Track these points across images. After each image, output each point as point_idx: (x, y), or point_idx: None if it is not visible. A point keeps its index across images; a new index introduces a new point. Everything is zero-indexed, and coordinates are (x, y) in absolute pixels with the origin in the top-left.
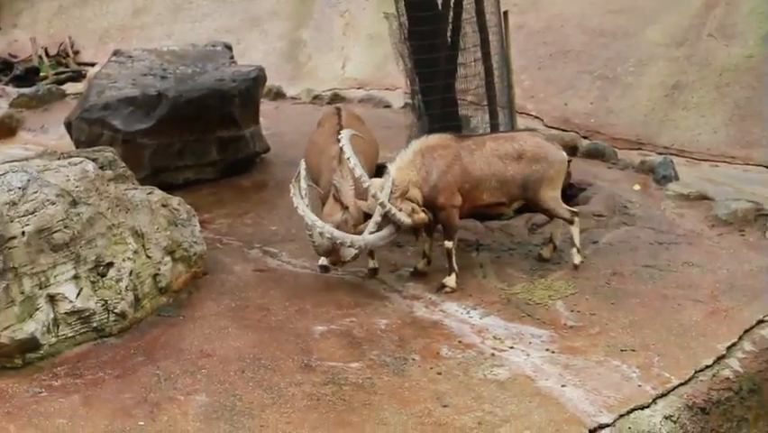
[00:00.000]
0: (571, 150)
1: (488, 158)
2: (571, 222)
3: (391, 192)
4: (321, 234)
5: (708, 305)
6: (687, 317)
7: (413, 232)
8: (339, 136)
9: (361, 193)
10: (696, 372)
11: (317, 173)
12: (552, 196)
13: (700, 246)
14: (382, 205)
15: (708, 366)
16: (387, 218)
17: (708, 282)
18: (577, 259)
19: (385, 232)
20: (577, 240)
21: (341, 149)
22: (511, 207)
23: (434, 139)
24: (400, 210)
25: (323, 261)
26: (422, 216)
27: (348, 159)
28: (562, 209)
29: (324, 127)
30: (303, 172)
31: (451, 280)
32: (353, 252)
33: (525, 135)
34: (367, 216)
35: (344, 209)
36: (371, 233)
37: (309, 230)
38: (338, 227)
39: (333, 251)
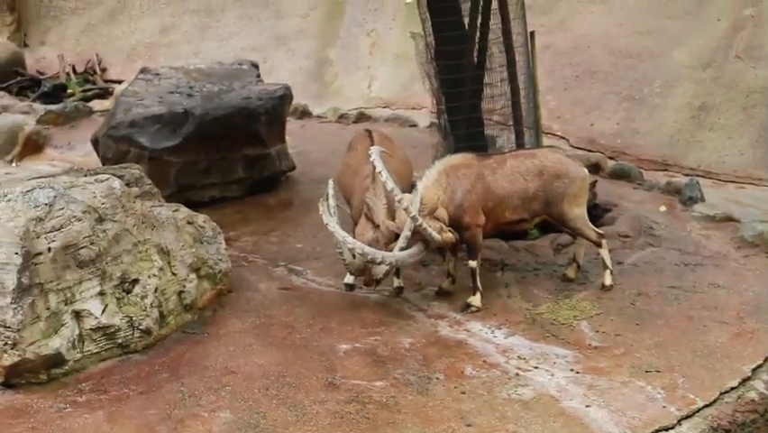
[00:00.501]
0: (594, 167)
1: (509, 176)
2: (598, 244)
3: (420, 209)
4: (351, 251)
5: (734, 326)
6: (712, 339)
7: (439, 252)
8: (369, 152)
9: (393, 212)
10: (721, 393)
11: (350, 194)
12: (577, 213)
13: (726, 268)
14: (414, 218)
15: (733, 388)
16: (416, 235)
17: (734, 304)
18: (608, 280)
19: (414, 249)
20: (608, 261)
21: (373, 167)
22: (532, 222)
23: (457, 158)
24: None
25: (348, 279)
26: (449, 235)
27: (379, 173)
28: (589, 230)
29: (356, 150)
30: (331, 191)
31: (476, 300)
32: (385, 269)
33: (546, 152)
34: (397, 236)
35: (375, 228)
36: (401, 249)
37: (339, 248)
38: (369, 246)
39: (364, 270)
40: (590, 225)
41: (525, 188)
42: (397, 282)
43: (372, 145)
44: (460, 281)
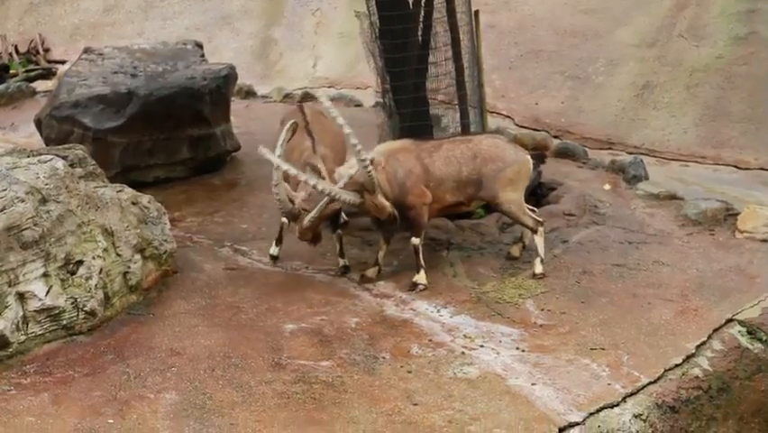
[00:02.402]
0: (538, 158)
1: (445, 158)
2: (534, 231)
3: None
4: (295, 178)
5: (678, 304)
6: (657, 316)
7: (378, 225)
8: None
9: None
10: (665, 370)
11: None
12: (511, 198)
13: (670, 246)
14: (322, 191)
15: (677, 365)
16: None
17: (678, 281)
18: (539, 268)
19: (352, 195)
20: (541, 250)
21: (328, 111)
22: (470, 206)
23: (396, 144)
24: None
25: (273, 250)
26: (387, 204)
27: (335, 118)
28: (525, 216)
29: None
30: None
31: (421, 277)
32: (308, 221)
33: (482, 137)
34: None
35: (320, 194)
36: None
37: (277, 192)
38: (310, 194)
39: (297, 215)
40: (527, 210)
41: (459, 170)
42: (342, 262)
43: (305, 119)
44: (402, 261)
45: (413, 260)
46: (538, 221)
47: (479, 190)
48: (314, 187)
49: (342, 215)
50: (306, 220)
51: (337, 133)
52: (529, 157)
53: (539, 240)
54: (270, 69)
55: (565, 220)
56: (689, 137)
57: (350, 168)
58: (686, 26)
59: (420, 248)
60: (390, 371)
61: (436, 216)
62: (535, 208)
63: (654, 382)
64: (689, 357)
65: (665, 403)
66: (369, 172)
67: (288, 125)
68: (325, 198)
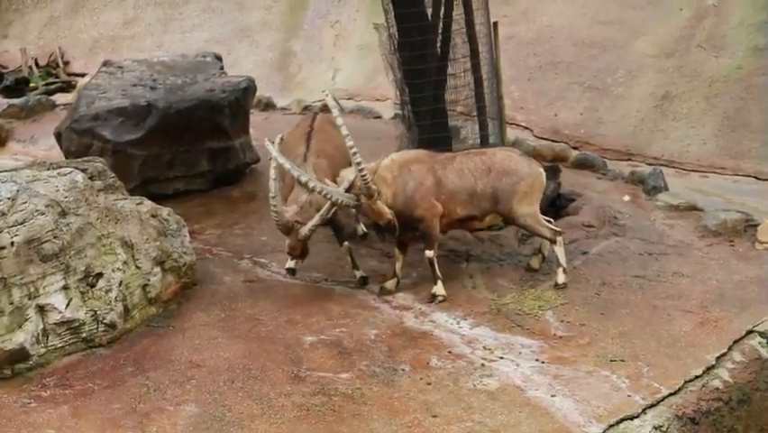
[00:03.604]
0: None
1: (458, 171)
2: (552, 241)
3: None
4: (302, 182)
5: (698, 315)
6: (677, 328)
7: (377, 231)
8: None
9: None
10: (685, 382)
11: (284, 172)
12: (527, 212)
13: (690, 257)
14: (307, 185)
15: (697, 376)
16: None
17: (698, 293)
18: (561, 278)
19: (347, 198)
20: (562, 259)
21: (331, 108)
22: (483, 221)
23: (410, 154)
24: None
25: (289, 263)
26: (387, 211)
27: (336, 117)
28: (542, 227)
29: (296, 129)
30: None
31: (439, 289)
32: (308, 229)
33: (496, 150)
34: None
35: (310, 192)
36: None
37: (274, 204)
38: (302, 207)
39: (291, 229)
40: (543, 222)
41: (473, 184)
42: (359, 274)
43: (311, 125)
44: (421, 272)
45: (430, 271)
46: (556, 231)
47: (495, 204)
48: (310, 186)
49: (362, 226)
50: (307, 229)
51: (340, 146)
52: (542, 170)
53: (559, 250)
54: (290, 81)
55: (585, 231)
56: (708, 148)
57: (352, 172)
58: (705, 37)
59: (435, 260)
60: (410, 383)
61: (446, 230)
62: (552, 219)
63: (675, 393)
64: (709, 369)
65: (685, 415)
66: (364, 177)
67: (277, 139)
68: (326, 206)
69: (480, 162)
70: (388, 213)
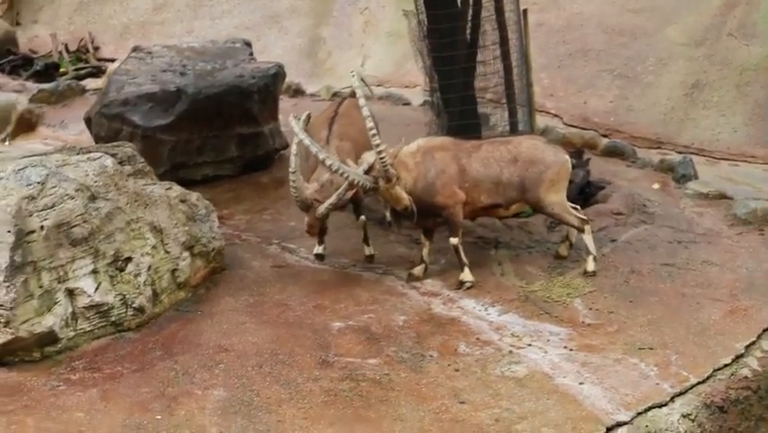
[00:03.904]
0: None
1: (483, 159)
2: (581, 229)
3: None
4: (322, 160)
5: (727, 304)
6: (705, 316)
7: (395, 217)
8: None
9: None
10: (714, 370)
11: (309, 152)
12: (554, 200)
13: (719, 245)
14: (325, 162)
15: (726, 365)
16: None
17: (727, 281)
18: (591, 266)
19: (365, 179)
20: (591, 246)
21: (355, 89)
22: (509, 210)
23: (436, 141)
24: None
25: (318, 249)
26: (405, 196)
27: (359, 98)
28: (570, 215)
29: (322, 114)
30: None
31: (467, 275)
32: (324, 208)
33: (522, 138)
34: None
35: (329, 171)
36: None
37: (293, 180)
38: (323, 185)
39: (309, 206)
40: (571, 210)
41: (499, 173)
42: (368, 250)
43: (336, 110)
44: (450, 259)
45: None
46: (584, 219)
47: (523, 193)
48: (327, 164)
49: (387, 215)
50: (323, 207)
51: (363, 130)
52: (568, 157)
53: (587, 238)
54: (319, 67)
55: (614, 219)
56: (738, 136)
57: (373, 154)
58: (736, 25)
59: (460, 247)
60: (438, 369)
61: (470, 218)
62: (579, 207)
63: (703, 381)
64: (738, 357)
65: (714, 403)
66: (383, 159)
67: (303, 116)
68: (344, 186)
69: (505, 151)
70: (406, 198)
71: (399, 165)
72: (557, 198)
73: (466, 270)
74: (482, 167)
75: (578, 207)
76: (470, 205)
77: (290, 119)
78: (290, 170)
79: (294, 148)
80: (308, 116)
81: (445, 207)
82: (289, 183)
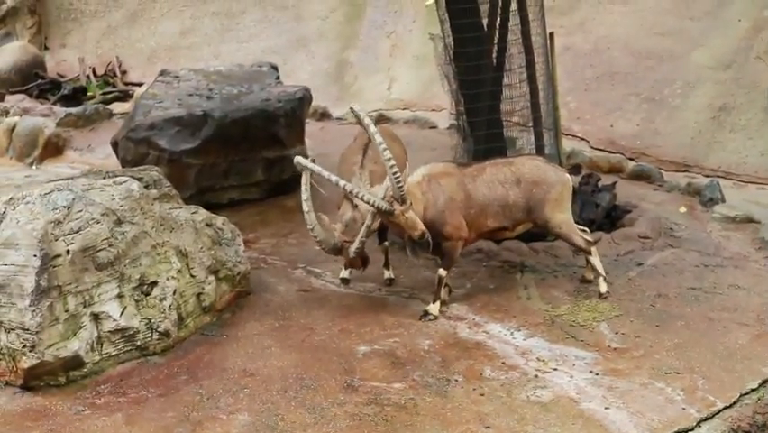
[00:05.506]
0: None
1: (488, 183)
2: (587, 252)
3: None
4: (339, 186)
5: (755, 328)
6: (732, 340)
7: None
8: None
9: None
10: (741, 395)
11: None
12: (561, 219)
13: (747, 269)
14: (347, 190)
15: (753, 390)
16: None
17: (755, 305)
18: (603, 288)
19: (383, 203)
20: (599, 268)
21: (359, 118)
22: (514, 231)
23: (438, 167)
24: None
25: (344, 273)
26: (420, 223)
27: (368, 126)
28: (577, 236)
29: (354, 142)
30: (311, 168)
31: (434, 308)
32: (356, 247)
33: (523, 159)
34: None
35: (355, 208)
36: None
37: (312, 228)
38: (347, 225)
39: (340, 249)
40: (578, 231)
41: (505, 195)
42: (387, 274)
43: (368, 140)
44: (475, 282)
45: (486, 282)
46: (590, 241)
47: (529, 214)
48: (341, 186)
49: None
50: (355, 246)
51: (397, 155)
52: (569, 176)
53: (595, 260)
54: (345, 91)
55: (640, 243)
56: (766, 160)
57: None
58: (764, 48)
59: (444, 280)
60: (463, 393)
61: (475, 241)
62: (587, 229)
63: (730, 406)
64: (765, 382)
65: (741, 428)
66: (398, 182)
67: (311, 157)
68: (368, 216)
69: (509, 173)
70: (422, 225)
71: (408, 196)
72: (564, 217)
73: (438, 303)
74: (488, 190)
75: (587, 229)
76: (477, 230)
77: (296, 161)
78: (308, 227)
79: (305, 205)
80: (313, 160)
81: (450, 239)
82: (312, 240)
